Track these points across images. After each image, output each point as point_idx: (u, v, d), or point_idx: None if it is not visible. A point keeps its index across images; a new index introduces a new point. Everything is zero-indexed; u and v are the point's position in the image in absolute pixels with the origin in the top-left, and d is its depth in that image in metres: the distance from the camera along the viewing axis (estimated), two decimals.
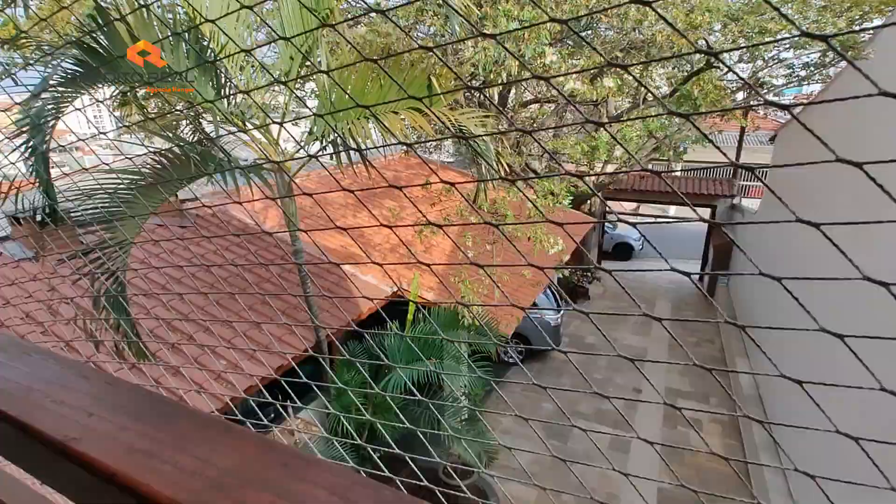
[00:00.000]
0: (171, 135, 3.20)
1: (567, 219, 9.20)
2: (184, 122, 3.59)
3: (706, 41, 5.22)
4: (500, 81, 3.90)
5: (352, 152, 3.98)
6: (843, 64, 7.37)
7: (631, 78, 7.16)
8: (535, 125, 7.58)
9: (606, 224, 15.67)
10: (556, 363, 9.01)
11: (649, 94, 7.09)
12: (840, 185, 5.20)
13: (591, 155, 4.33)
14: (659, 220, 15.99)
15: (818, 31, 7.01)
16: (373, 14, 5.72)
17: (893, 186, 0.40)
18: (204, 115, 3.53)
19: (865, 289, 3.28)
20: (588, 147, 4.34)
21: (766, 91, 11.09)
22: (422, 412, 5.24)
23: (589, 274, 13.03)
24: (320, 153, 3.94)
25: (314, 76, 3.83)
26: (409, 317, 5.90)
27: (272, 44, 4.44)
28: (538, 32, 3.58)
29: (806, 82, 11.21)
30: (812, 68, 9.31)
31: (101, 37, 2.91)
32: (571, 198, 4.98)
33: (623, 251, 15.98)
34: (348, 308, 6.12)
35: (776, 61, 8.69)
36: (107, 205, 2.82)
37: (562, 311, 9.10)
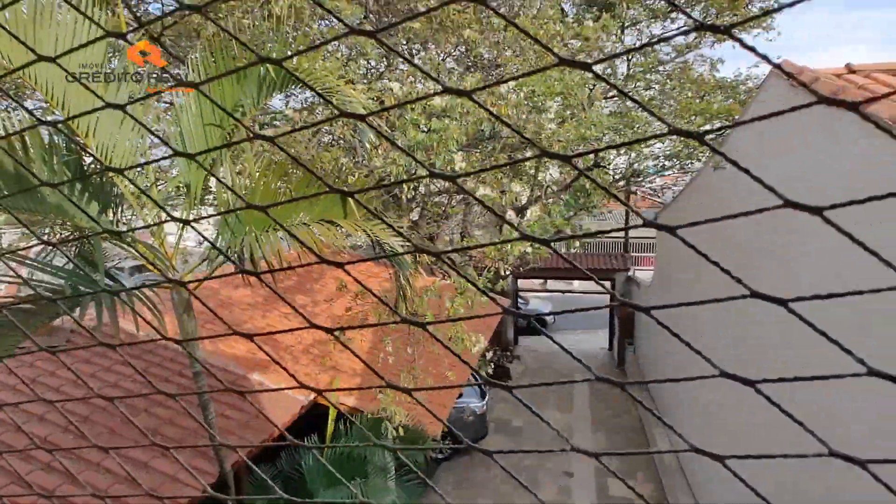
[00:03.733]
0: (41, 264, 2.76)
1: (488, 310, 9.26)
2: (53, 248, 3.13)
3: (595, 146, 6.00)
4: (411, 188, 4.04)
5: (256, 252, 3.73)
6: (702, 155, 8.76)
7: (533, 178, 7.87)
8: (442, 217, 7.88)
9: (519, 300, 16.23)
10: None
11: (548, 189, 7.84)
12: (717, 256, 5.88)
13: (505, 252, 4.62)
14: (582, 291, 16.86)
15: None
16: (277, 122, 5.73)
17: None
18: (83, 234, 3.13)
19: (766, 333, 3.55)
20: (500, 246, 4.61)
21: (640, 178, 12.74)
22: None
23: (509, 353, 13.17)
24: (214, 261, 3.63)
25: (215, 185, 3.63)
26: (329, 429, 5.39)
27: (167, 150, 4.20)
28: (446, 142, 3.82)
29: (668, 170, 13.21)
30: (674, 158, 11.01)
31: None
32: (490, 286, 5.11)
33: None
34: (258, 426, 5.45)
35: (646, 156, 10.13)
36: None
37: (486, 399, 8.96)
